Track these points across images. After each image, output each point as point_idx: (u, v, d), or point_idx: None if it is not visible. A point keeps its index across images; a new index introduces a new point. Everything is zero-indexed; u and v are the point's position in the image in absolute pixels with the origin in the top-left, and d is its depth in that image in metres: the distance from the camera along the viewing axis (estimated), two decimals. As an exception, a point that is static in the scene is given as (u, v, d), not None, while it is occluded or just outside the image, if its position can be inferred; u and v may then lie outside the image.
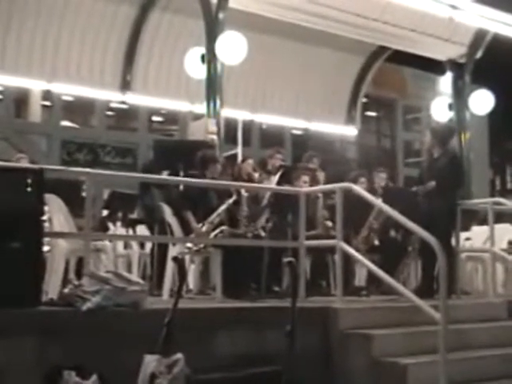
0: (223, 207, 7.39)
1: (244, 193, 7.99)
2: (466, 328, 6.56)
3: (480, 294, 8.89)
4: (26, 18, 11.17)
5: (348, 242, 6.95)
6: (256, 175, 8.97)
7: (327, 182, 8.76)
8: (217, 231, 7.22)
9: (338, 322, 6.10)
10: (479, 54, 13.05)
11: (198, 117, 10.73)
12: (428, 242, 5.87)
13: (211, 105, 9.67)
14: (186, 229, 7.19)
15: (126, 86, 12.27)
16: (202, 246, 7.16)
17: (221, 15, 9.69)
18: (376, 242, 8.36)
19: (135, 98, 12.58)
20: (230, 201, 7.44)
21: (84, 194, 6.48)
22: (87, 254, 5.95)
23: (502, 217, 9.48)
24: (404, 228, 6.91)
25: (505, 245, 9.20)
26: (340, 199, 6.63)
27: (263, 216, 8.08)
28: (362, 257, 6.87)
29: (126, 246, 9.54)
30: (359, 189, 6.94)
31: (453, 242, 8.13)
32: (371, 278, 7.99)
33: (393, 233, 8.72)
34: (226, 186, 7.73)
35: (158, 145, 10.04)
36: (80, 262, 6.42)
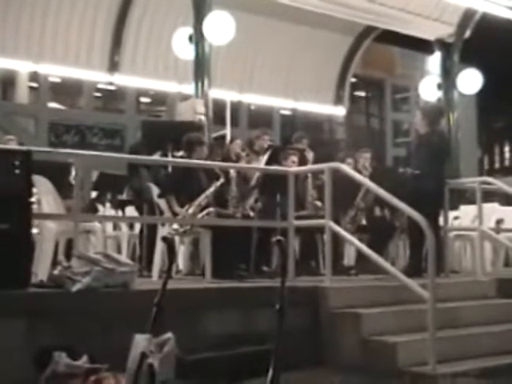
0: (210, 190, 7.32)
1: (233, 173, 7.97)
2: (455, 306, 6.59)
3: (468, 273, 8.93)
4: (12, -1, 11.09)
5: (337, 221, 6.97)
6: (244, 155, 8.95)
7: (316, 162, 8.75)
8: (204, 213, 7.18)
9: (327, 302, 6.13)
10: (468, 34, 13.06)
11: (186, 97, 10.68)
12: (416, 221, 5.91)
13: (199, 85, 9.64)
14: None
15: (113, 66, 12.21)
16: (188, 227, 7.12)
17: (209, -5, 9.65)
18: (363, 222, 8.39)
19: (123, 79, 12.53)
20: (218, 183, 7.36)
21: (72, 176, 6.46)
22: (76, 235, 5.95)
23: (489, 196, 9.52)
24: (392, 207, 6.93)
25: (493, 223, 9.25)
26: (328, 179, 6.64)
27: (252, 196, 8.08)
28: (351, 236, 6.90)
29: (115, 227, 9.53)
30: (347, 168, 6.94)
31: (441, 220, 8.16)
32: (360, 257, 8.02)
33: (381, 212, 8.75)
34: (215, 166, 7.70)
35: (146, 126, 9.95)
36: (69, 244, 6.41)
